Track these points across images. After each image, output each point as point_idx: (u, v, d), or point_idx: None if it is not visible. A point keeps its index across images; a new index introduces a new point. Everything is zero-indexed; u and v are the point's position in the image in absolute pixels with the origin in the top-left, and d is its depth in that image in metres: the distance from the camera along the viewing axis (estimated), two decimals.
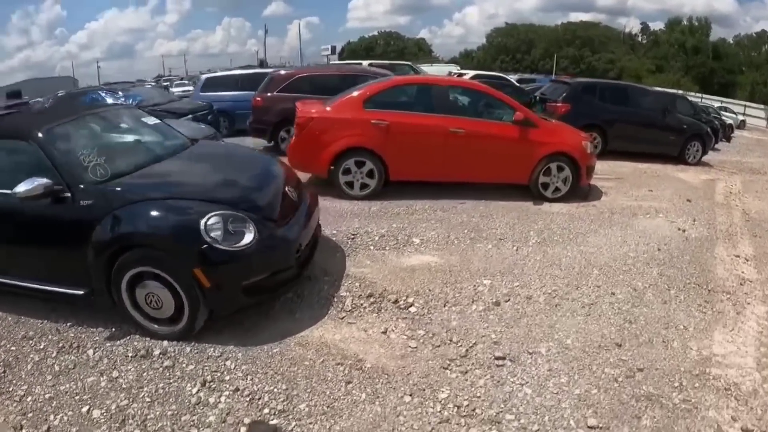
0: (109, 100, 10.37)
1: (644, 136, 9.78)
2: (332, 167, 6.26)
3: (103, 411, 2.70)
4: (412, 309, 3.75)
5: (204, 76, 13.76)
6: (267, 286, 3.27)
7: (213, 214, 3.05)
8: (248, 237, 3.10)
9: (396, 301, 3.84)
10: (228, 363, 3.03)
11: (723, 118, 19.77)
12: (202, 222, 2.99)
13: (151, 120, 4.68)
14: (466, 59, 64.56)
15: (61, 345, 3.25)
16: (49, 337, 3.34)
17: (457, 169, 6.59)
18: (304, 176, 6.95)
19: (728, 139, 17.08)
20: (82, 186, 3.14)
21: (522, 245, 5.10)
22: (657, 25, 66.77)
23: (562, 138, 6.66)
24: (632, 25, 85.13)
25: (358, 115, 6.22)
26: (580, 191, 6.94)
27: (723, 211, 6.84)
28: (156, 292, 3.08)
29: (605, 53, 59.14)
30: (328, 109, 6.40)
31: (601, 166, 8.76)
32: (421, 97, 6.77)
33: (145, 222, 3.07)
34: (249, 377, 2.94)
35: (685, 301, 4.09)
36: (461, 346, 3.35)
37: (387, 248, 4.95)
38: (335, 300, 3.81)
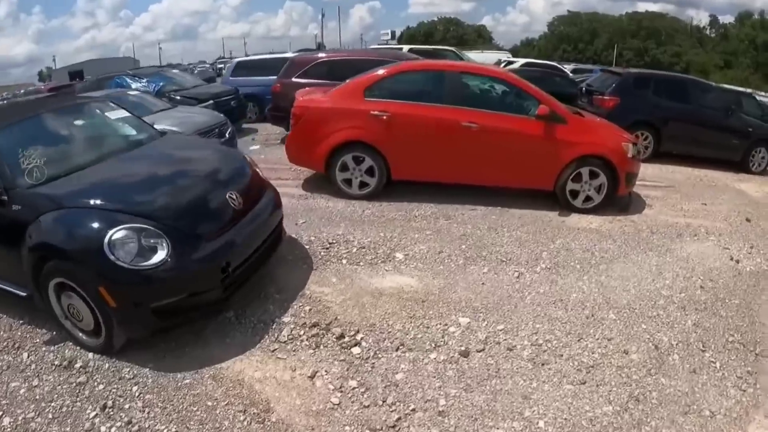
0: (134, 85, 10.23)
1: (703, 138, 8.39)
2: (329, 163, 5.61)
3: (12, 420, 2.60)
4: (356, 350, 3.11)
5: (235, 60, 13.29)
6: (183, 308, 2.93)
7: (121, 228, 2.77)
8: (160, 254, 2.79)
9: (341, 337, 3.20)
10: (135, 389, 2.74)
11: None
12: (108, 237, 2.71)
13: (118, 114, 4.36)
14: (527, 48, 61.72)
15: (5, 344, 3.16)
16: (0, 333, 3.26)
17: (470, 170, 5.66)
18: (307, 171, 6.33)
19: None
20: (15, 190, 3.00)
21: (526, 270, 4.18)
22: (727, 19, 61.92)
23: (598, 138, 5.54)
24: (701, 18, 78.97)
25: (357, 105, 5.49)
26: (619, 202, 5.83)
27: None
28: (75, 304, 2.93)
29: (671, 46, 54.74)
30: (326, 98, 5.71)
31: (651, 171, 7.65)
32: (430, 85, 5.79)
33: (58, 232, 2.88)
34: (147, 410, 2.64)
35: (722, 371, 3.11)
36: (394, 411, 2.62)
37: (362, 263, 4.21)
38: (274, 326, 3.27)
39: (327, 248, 4.41)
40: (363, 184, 5.67)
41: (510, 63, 15.73)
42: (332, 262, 4.18)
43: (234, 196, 3.35)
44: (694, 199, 6.60)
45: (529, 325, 3.42)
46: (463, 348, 3.16)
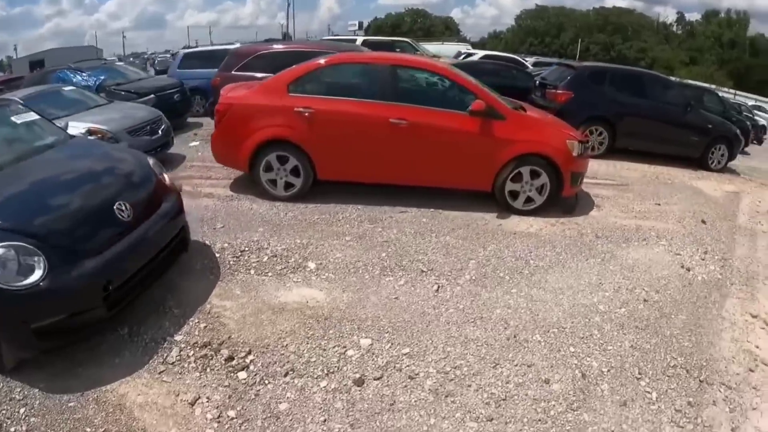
0: (74, 80, 9.68)
1: (661, 134, 8.02)
2: (253, 163, 5.12)
3: None
4: (243, 374, 2.77)
5: (182, 52, 12.64)
6: (66, 328, 2.74)
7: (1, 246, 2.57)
8: (37, 273, 2.61)
9: (230, 359, 2.87)
10: (22, 411, 2.54)
11: (756, 118, 17.44)
12: None
13: (27, 117, 4.00)
14: (495, 41, 61.69)
15: None
16: None
17: (401, 170, 5.16)
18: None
19: (759, 142, 14.91)
20: None
21: (448, 283, 3.67)
22: (693, 16, 62.73)
23: (539, 135, 5.04)
24: (668, 15, 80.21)
25: (280, 101, 4.98)
26: (564, 203, 5.37)
27: (745, 239, 5.18)
28: None
29: (638, 42, 54.95)
30: (250, 93, 5.24)
31: (604, 168, 7.28)
32: (359, 79, 5.27)
33: None
34: None
35: (658, 403, 2.65)
36: None
37: (270, 274, 3.73)
38: (165, 345, 2.97)
39: (238, 256, 3.93)
40: (288, 185, 5.17)
41: (470, 55, 15.28)
42: (240, 272, 3.72)
43: (123, 207, 3.10)
44: (647, 198, 6.19)
45: (439, 348, 2.91)
46: (358, 375, 2.69)
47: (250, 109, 5.07)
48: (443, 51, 16.40)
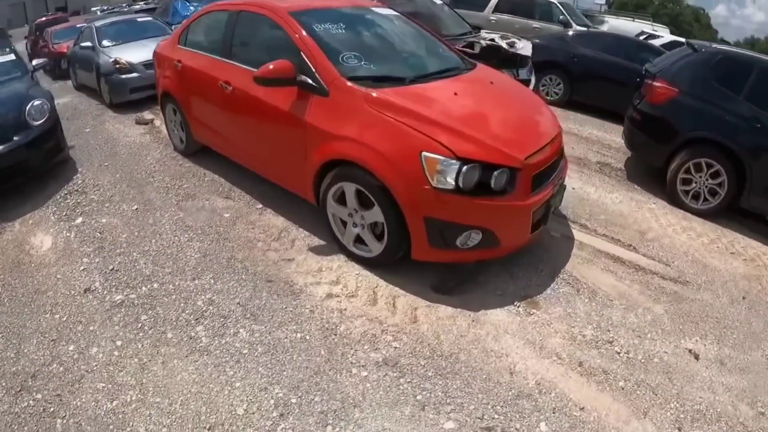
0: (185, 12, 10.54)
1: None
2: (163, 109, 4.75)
3: None
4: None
5: None
6: None
7: None
8: None
9: None
10: None
11: None
12: None
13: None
14: (746, 46, 46.73)
15: None
16: None
17: (242, 149, 3.71)
18: None
19: None
20: None
21: None
22: None
23: (370, 133, 2.66)
24: None
25: (171, 53, 4.33)
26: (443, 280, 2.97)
27: None
28: None
29: None
30: (163, 43, 4.74)
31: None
32: (216, 30, 3.84)
33: None
34: None
35: None
36: None
37: None
38: None
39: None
40: (180, 139, 4.59)
41: (652, 36, 10.98)
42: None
43: None
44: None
45: None
46: None
47: (158, 58, 4.58)
48: (629, 28, 12.27)
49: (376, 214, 2.69)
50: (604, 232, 3.72)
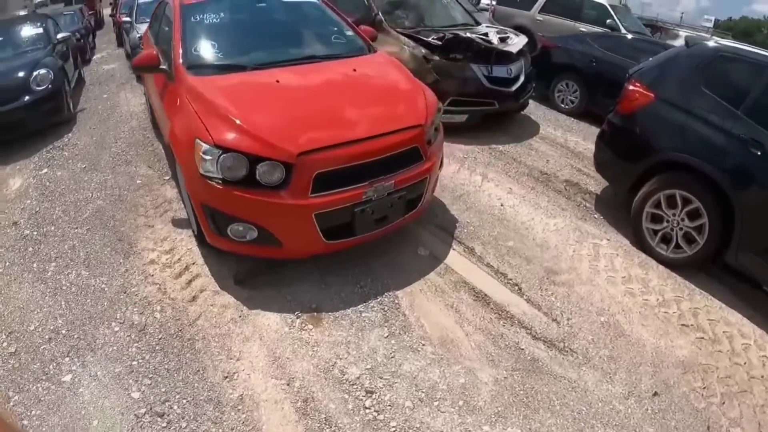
0: None
1: None
2: None
3: None
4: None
5: None
6: None
7: None
8: None
9: None
10: None
11: None
12: None
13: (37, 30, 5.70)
14: None
15: None
16: None
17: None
18: None
19: None
20: None
21: None
22: None
23: (177, 116, 2.72)
24: None
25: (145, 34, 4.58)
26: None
27: None
28: None
29: None
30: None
31: None
32: (159, 17, 3.96)
33: None
34: None
35: None
36: None
37: None
38: None
39: None
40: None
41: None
42: None
43: None
44: None
45: None
46: None
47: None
48: None
49: None
50: (493, 263, 2.75)
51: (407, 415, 1.88)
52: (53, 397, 1.96)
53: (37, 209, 3.38)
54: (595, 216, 3.33)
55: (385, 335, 2.23)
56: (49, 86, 4.59)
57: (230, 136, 2.21)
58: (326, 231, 2.31)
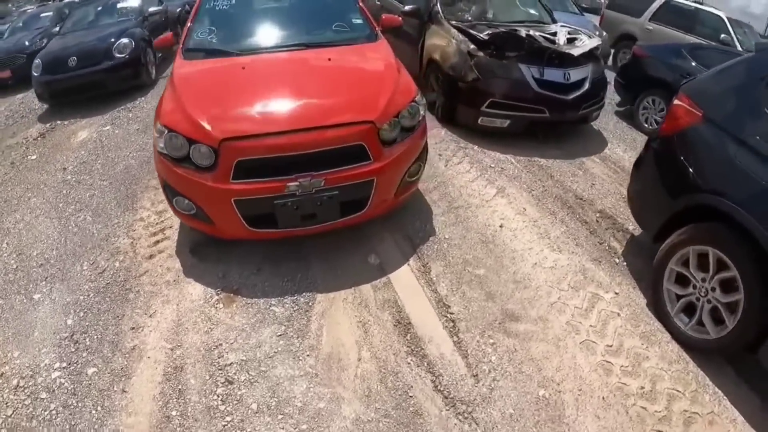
0: None
1: None
2: None
3: None
4: (33, 156, 4.15)
5: None
6: None
7: None
8: None
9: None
10: None
11: None
12: None
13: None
14: None
15: None
16: None
17: None
18: None
19: None
20: None
21: None
22: None
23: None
24: None
25: None
26: None
27: None
28: None
29: None
30: None
31: None
32: None
33: None
34: None
35: None
36: None
37: None
38: None
39: None
40: None
41: None
42: None
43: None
44: None
45: None
46: None
47: None
48: None
49: None
50: (443, 290, 2.34)
51: (246, 416, 1.75)
52: (21, 308, 2.35)
53: (85, 160, 3.86)
54: (616, 261, 2.62)
55: (279, 334, 2.09)
56: (128, 54, 5.19)
57: (173, 118, 2.30)
58: (248, 218, 2.26)
